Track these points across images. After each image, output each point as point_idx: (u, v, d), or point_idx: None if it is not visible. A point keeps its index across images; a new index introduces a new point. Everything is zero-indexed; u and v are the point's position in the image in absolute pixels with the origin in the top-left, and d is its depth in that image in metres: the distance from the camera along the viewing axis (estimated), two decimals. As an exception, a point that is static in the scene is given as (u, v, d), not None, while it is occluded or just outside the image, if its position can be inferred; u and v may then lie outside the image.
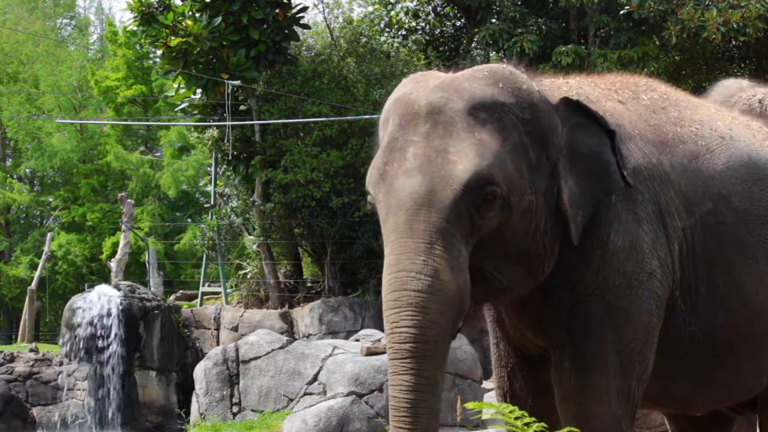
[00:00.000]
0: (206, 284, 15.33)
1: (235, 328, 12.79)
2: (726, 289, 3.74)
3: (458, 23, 16.60)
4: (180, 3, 13.50)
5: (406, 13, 16.43)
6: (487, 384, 9.62)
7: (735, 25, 12.33)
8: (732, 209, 3.77)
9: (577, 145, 3.47)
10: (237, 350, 10.06)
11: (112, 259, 16.45)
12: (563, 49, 13.12)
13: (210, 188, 16.06)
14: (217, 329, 12.96)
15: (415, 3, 16.40)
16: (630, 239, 3.48)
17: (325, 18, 16.03)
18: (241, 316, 12.96)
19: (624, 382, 3.50)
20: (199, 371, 10.16)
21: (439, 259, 3.07)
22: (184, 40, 12.72)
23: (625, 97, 3.85)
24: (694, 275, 3.69)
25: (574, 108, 3.50)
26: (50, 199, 26.77)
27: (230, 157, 13.69)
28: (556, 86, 3.74)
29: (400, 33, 16.49)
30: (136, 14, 13.13)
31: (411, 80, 3.52)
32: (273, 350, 9.88)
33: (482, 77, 3.39)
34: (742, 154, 3.89)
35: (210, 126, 14.06)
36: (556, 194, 3.39)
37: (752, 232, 3.82)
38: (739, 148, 3.91)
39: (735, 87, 4.91)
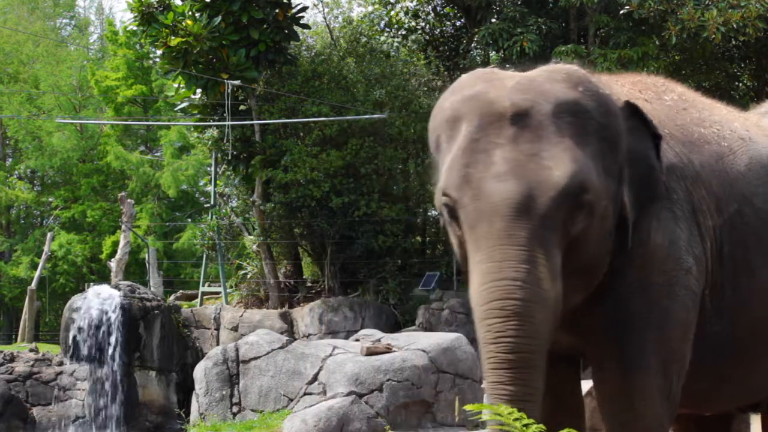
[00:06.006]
0: (206, 284, 15.33)
1: (235, 328, 12.79)
2: (748, 290, 3.72)
3: (458, 23, 16.60)
4: (180, 3, 13.50)
5: (406, 13, 16.43)
6: (487, 384, 9.60)
7: (735, 25, 12.32)
8: (754, 210, 3.76)
9: (633, 150, 3.42)
10: (237, 350, 10.05)
11: (112, 259, 16.45)
12: (563, 48, 13.12)
13: (210, 188, 16.06)
14: (217, 329, 12.96)
15: (415, 3, 16.40)
16: (669, 236, 3.47)
17: (324, 18, 16.04)
18: (241, 316, 12.96)
19: (665, 381, 3.47)
20: (199, 371, 10.15)
21: (541, 267, 3.01)
22: (184, 40, 12.72)
23: (649, 97, 3.82)
24: (720, 275, 3.67)
25: (631, 111, 3.45)
26: (50, 199, 26.76)
27: (230, 157, 13.70)
28: None
29: (399, 33, 16.49)
30: (136, 14, 13.14)
31: (479, 78, 3.39)
32: (273, 350, 9.87)
33: (561, 79, 3.31)
34: (761, 156, 3.88)
35: (210, 126, 14.06)
36: (620, 199, 3.36)
37: None
38: (758, 149, 3.90)
39: None
